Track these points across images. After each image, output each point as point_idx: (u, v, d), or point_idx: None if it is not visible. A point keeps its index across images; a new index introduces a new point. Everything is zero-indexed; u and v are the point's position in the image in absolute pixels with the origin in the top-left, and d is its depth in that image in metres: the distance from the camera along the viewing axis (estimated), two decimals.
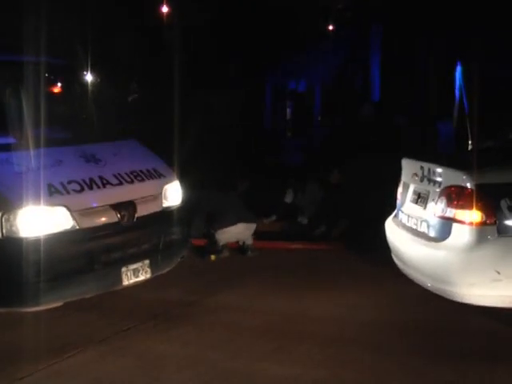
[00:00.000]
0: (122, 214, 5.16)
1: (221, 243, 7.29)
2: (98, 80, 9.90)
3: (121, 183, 5.32)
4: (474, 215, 4.39)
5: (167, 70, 10.61)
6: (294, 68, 15.08)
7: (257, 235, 7.54)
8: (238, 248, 7.50)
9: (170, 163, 6.24)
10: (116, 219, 5.13)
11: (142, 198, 5.40)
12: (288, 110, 16.96)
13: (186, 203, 6.04)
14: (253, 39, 13.95)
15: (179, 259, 5.83)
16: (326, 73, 14.60)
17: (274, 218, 8.46)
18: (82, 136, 5.71)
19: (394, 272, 5.52)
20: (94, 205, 5.07)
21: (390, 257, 5.62)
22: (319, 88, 15.28)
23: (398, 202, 5.55)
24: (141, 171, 5.57)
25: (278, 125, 15.74)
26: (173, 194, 5.83)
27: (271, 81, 15.58)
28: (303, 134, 13.99)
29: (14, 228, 4.68)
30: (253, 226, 7.39)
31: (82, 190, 5.04)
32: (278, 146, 12.79)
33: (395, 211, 5.65)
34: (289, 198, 8.62)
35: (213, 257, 7.25)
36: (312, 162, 10.50)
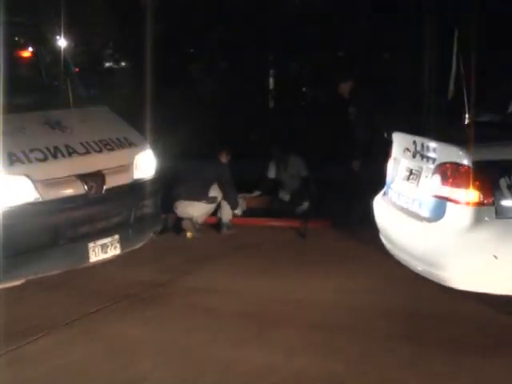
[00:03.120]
0: (90, 185, 5.05)
1: (194, 219, 7.13)
2: (67, 43, 9.58)
3: (88, 152, 5.18)
4: (471, 194, 4.22)
5: (145, 37, 10.32)
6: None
7: None
8: (216, 224, 7.35)
9: (145, 132, 6.12)
10: (83, 191, 5.02)
11: (112, 168, 5.29)
12: (270, 80, 16.62)
13: (161, 174, 5.91)
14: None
15: (152, 234, 5.77)
16: None
17: (257, 193, 8.26)
18: (46, 101, 5.54)
19: (383, 253, 5.39)
20: (59, 175, 4.92)
21: (379, 236, 5.47)
22: None
23: (388, 178, 5.39)
24: (110, 139, 5.44)
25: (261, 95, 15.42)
26: (145, 164, 5.71)
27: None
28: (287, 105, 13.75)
29: None
30: (197, 205, 7.14)
31: (46, 158, 4.89)
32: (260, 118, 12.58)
33: (384, 188, 5.48)
34: (272, 173, 8.41)
35: (188, 234, 7.09)
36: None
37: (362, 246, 6.43)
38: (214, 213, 7.42)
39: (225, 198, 7.23)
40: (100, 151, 5.24)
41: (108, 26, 12.70)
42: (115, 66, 14.35)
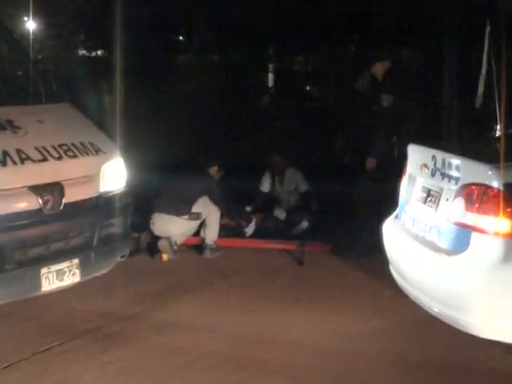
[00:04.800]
0: (46, 198, 4.91)
1: (173, 239, 7.02)
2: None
3: (45, 159, 5.05)
4: (501, 223, 4.09)
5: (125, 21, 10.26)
6: None
7: (222, 231, 7.33)
8: (199, 246, 7.28)
9: (115, 136, 6.11)
10: (37, 205, 4.89)
11: (73, 179, 5.17)
12: (269, 76, 16.65)
13: (133, 188, 5.83)
14: None
15: (119, 258, 5.66)
16: None
17: (248, 209, 8.13)
18: None
19: (393, 289, 5.29)
20: (9, 186, 4.78)
21: (388, 267, 5.35)
22: None
23: (401, 199, 5.28)
24: (73, 144, 5.31)
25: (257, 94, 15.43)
26: (114, 175, 5.60)
27: None
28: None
29: None
30: (178, 221, 7.03)
31: None
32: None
33: (396, 211, 5.37)
34: (265, 186, 8.31)
35: (165, 256, 6.96)
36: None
37: (369, 278, 6.33)
38: (197, 232, 7.27)
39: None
40: (59, 158, 5.11)
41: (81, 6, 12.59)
42: (88, 55, 14.28)
